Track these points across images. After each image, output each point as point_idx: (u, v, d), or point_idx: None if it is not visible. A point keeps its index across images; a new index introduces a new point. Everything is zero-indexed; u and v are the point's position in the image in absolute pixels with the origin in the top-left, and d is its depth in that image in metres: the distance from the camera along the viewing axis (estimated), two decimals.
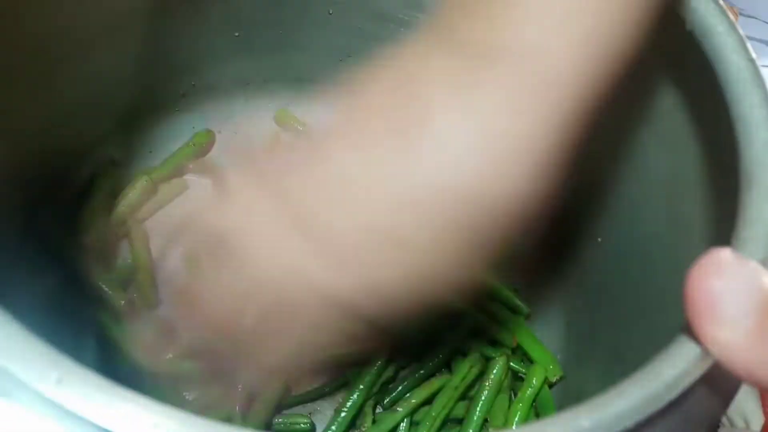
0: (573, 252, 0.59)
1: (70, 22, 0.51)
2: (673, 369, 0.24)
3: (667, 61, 0.44)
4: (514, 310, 0.60)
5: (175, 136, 0.66)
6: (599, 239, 0.55)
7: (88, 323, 0.55)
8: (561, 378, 0.56)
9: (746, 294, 0.21)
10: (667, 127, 0.45)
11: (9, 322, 0.22)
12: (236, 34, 0.62)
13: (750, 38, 0.38)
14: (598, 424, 0.23)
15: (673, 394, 0.24)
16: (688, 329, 0.25)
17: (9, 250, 0.50)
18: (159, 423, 0.20)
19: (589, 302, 0.57)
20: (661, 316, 0.44)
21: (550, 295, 0.63)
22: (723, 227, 0.38)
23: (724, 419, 0.56)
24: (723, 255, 0.22)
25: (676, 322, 0.40)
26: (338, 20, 0.62)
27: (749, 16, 0.88)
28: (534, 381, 0.54)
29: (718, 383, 0.26)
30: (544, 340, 0.58)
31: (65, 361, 0.21)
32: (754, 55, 0.37)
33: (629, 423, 0.23)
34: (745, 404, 0.56)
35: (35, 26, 0.48)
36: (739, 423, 0.55)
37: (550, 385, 0.57)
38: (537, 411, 0.55)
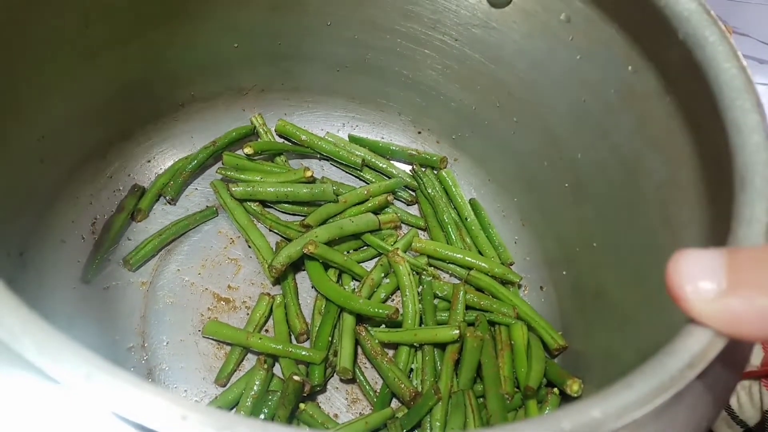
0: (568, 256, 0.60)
1: (74, 34, 0.51)
2: (678, 361, 0.25)
3: (661, 69, 0.46)
4: (505, 283, 0.63)
5: (174, 145, 0.66)
6: (594, 244, 0.56)
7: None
8: (564, 348, 0.58)
9: (714, 264, 0.25)
10: (661, 132, 0.46)
11: (36, 320, 0.22)
12: (235, 45, 0.62)
13: (743, 56, 0.39)
14: (608, 414, 0.24)
15: (680, 385, 0.25)
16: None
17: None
18: (187, 415, 0.21)
19: (584, 306, 0.58)
20: (656, 317, 0.45)
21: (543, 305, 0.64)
22: (716, 229, 0.40)
23: None
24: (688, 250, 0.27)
25: (673, 322, 0.41)
26: (336, 31, 0.63)
27: (742, 34, 0.90)
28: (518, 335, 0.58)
29: (722, 374, 0.27)
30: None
31: (93, 357, 0.22)
32: (745, 63, 0.38)
33: (637, 413, 0.24)
34: None
35: (37, 34, 0.48)
36: None
37: (554, 355, 0.59)
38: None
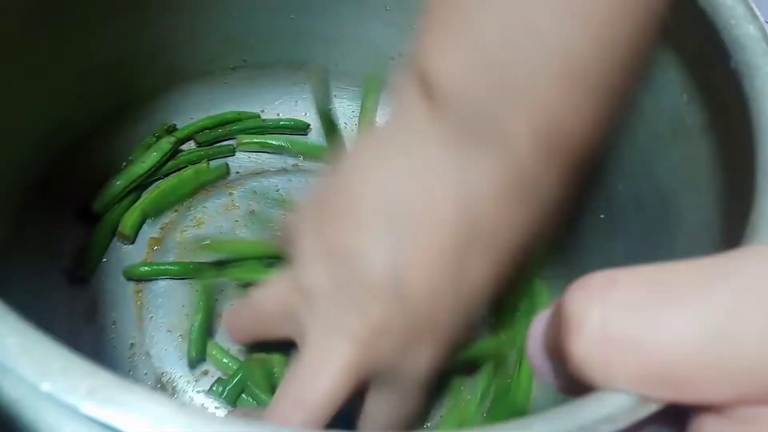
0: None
1: None
2: (592, 413, 0.22)
3: (712, 100, 0.41)
4: None
5: (218, 105, 0.66)
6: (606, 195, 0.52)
7: None
8: None
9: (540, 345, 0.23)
10: (700, 171, 0.41)
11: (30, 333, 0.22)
12: (291, 16, 0.62)
13: None
14: None
15: None
16: None
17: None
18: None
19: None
20: None
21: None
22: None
23: None
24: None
25: None
26: (394, 17, 0.61)
27: None
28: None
29: None
30: None
31: (97, 371, 0.21)
32: None
33: None
34: None
35: None
36: None
37: None
38: None
